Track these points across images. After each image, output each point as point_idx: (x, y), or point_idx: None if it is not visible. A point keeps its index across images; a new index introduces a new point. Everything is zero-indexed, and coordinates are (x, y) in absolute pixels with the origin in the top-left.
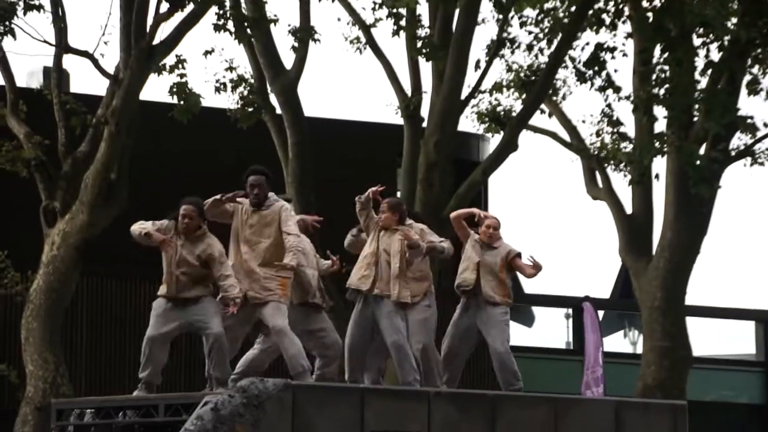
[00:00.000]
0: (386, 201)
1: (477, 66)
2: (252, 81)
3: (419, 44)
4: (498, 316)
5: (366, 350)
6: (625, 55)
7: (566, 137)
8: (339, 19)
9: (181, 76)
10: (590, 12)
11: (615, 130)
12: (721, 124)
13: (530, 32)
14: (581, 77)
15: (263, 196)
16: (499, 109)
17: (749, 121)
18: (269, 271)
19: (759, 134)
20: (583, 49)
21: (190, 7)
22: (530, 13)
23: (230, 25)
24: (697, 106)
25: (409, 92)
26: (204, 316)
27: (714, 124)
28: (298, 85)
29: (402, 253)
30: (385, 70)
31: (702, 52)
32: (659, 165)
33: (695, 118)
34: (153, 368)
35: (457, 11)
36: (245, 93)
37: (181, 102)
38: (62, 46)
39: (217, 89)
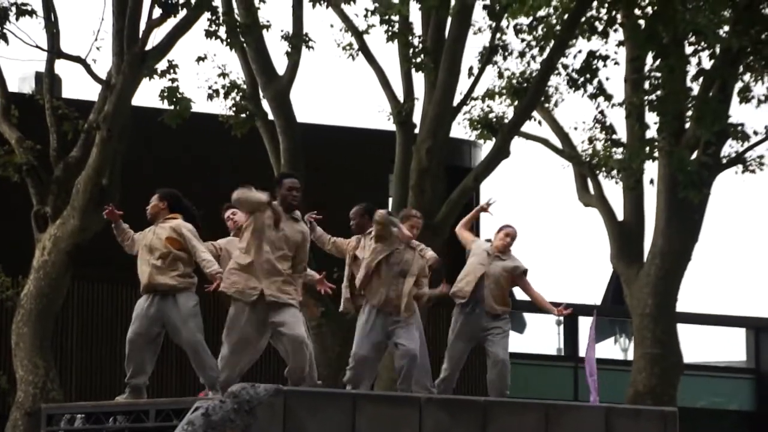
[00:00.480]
0: (409, 214)
1: (470, 73)
2: (244, 87)
3: (411, 53)
4: (503, 325)
5: (378, 360)
6: (617, 63)
7: (558, 144)
8: (332, 26)
9: (173, 80)
10: (583, 19)
11: (608, 136)
12: (711, 132)
13: (523, 39)
14: (573, 84)
15: (300, 200)
16: (491, 115)
17: (739, 128)
18: (286, 275)
19: (750, 142)
20: (575, 56)
21: (183, 13)
22: (523, 20)
23: (222, 31)
24: (689, 114)
25: (401, 99)
26: (176, 323)
27: (705, 131)
28: (290, 91)
29: (421, 272)
30: (378, 76)
31: (694, 60)
32: (652, 172)
33: (687, 125)
34: (133, 369)
35: (449, 17)
36: (238, 99)
37: (172, 107)
38: (54, 52)
39: (210, 96)
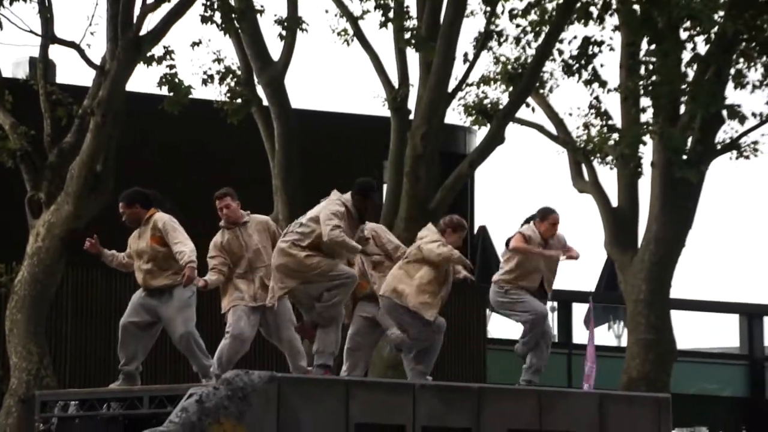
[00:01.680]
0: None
1: (465, 59)
2: (239, 73)
3: (407, 35)
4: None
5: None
6: (612, 49)
7: (553, 130)
8: (327, 11)
9: (170, 67)
10: (578, 5)
11: (603, 123)
12: (707, 111)
13: (518, 25)
14: (568, 70)
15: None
16: (486, 101)
17: (736, 108)
18: None
19: (745, 126)
20: (570, 42)
21: None
22: (518, 4)
23: (217, 16)
24: (684, 98)
25: (396, 84)
26: (170, 314)
27: (701, 109)
28: (285, 76)
29: None
30: (373, 62)
31: (689, 45)
32: (649, 157)
33: (681, 111)
34: (126, 356)
35: (444, 2)
36: (233, 85)
37: (171, 93)
38: (48, 37)
39: (204, 81)
